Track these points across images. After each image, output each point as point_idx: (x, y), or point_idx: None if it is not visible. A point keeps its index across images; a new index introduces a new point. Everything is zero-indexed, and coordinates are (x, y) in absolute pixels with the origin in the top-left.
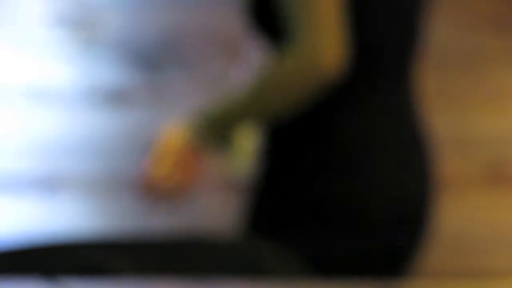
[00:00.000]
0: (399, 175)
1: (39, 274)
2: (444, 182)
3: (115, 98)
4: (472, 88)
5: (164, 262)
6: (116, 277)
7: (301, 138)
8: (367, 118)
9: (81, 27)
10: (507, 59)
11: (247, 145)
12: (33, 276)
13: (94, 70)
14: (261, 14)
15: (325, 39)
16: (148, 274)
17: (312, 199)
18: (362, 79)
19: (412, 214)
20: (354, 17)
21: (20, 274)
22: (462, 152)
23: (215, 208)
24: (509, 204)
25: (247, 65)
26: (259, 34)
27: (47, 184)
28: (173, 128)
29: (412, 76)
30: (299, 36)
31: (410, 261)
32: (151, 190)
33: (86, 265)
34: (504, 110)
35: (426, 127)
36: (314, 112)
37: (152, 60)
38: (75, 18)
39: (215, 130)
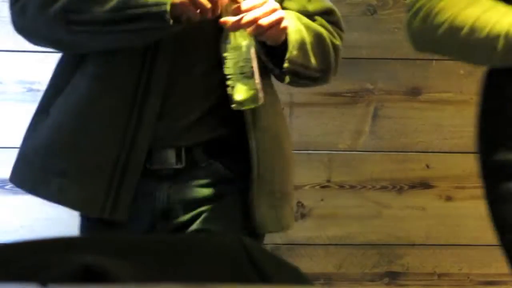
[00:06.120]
0: None
1: (29, 279)
2: None
3: None
4: None
5: (165, 265)
6: (114, 282)
7: None
8: None
9: None
10: None
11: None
12: (23, 282)
13: None
14: None
15: None
16: (147, 279)
17: None
18: None
19: None
20: None
21: (9, 279)
22: None
23: None
24: None
25: None
26: None
27: None
28: None
29: None
30: None
31: None
32: None
33: (80, 270)
34: None
35: None
36: None
37: None
38: None
39: None
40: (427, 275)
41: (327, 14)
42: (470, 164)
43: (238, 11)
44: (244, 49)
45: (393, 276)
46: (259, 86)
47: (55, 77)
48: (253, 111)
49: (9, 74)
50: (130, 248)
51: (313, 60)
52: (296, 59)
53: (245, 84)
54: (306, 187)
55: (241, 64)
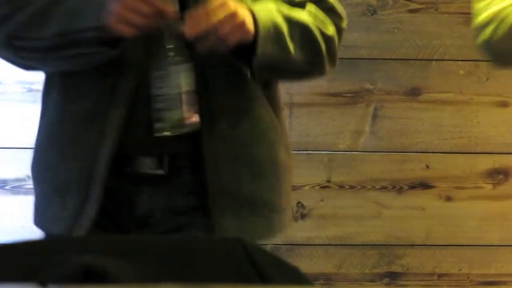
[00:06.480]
0: None
1: (29, 279)
2: None
3: None
4: None
5: (165, 265)
6: (114, 282)
7: None
8: None
9: None
10: None
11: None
12: (23, 282)
13: None
14: None
15: None
16: (147, 279)
17: None
18: None
19: None
20: None
21: (9, 279)
22: None
23: None
24: None
25: None
26: None
27: None
28: None
29: None
30: None
31: None
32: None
33: (80, 270)
34: None
35: None
36: None
37: None
38: None
39: None
40: (427, 276)
41: (319, 1)
42: (470, 164)
43: (183, 34)
44: (177, 69)
45: (393, 276)
46: (188, 114)
47: (41, 99)
48: (211, 121)
49: (9, 74)
50: (130, 248)
51: (293, 52)
52: (270, 53)
53: (172, 109)
54: (306, 187)
55: (171, 85)
